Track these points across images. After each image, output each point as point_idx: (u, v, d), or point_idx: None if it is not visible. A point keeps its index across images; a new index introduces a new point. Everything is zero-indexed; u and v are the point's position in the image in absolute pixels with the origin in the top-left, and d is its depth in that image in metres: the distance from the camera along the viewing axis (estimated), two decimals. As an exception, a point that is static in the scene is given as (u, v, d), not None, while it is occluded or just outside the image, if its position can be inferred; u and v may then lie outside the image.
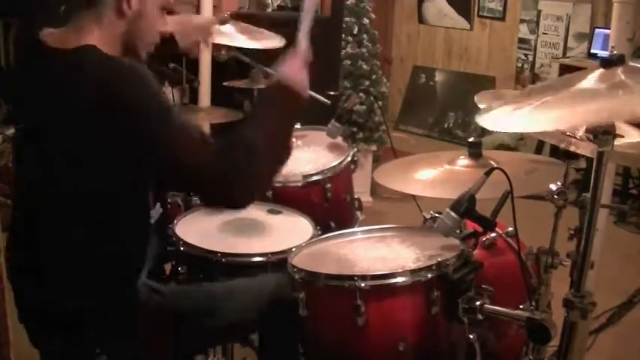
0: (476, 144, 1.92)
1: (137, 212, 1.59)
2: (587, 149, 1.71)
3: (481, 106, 1.47)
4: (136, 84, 1.45)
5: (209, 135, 1.55)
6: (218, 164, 1.48)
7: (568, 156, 1.74)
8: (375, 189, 4.59)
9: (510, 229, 1.93)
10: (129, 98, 1.43)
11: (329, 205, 2.31)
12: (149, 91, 1.46)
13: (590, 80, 1.41)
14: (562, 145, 1.75)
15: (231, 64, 3.43)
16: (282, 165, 1.60)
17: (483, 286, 1.64)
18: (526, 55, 6.14)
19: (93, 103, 1.42)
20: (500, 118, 1.44)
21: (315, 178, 2.29)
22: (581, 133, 1.67)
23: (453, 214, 1.56)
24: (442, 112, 6.65)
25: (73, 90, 1.44)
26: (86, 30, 1.53)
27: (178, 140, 1.46)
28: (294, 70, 1.61)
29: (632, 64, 1.43)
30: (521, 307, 1.57)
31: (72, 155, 1.46)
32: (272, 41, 2.64)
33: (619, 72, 1.38)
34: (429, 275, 1.57)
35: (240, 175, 1.50)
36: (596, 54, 5.22)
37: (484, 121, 1.44)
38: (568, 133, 1.73)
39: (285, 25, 2.76)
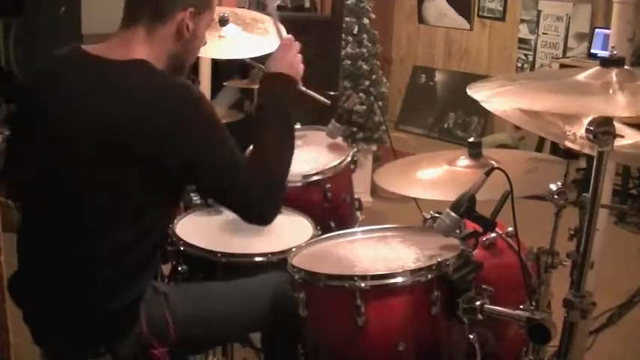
0: (476, 144, 1.92)
1: (159, 224, 1.61)
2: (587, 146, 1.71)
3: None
4: (183, 100, 1.50)
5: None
6: (253, 185, 1.57)
7: (568, 155, 1.74)
8: (375, 189, 4.58)
9: (510, 229, 1.92)
10: (174, 113, 1.47)
11: (329, 205, 2.30)
12: (197, 110, 1.51)
13: (585, 76, 1.45)
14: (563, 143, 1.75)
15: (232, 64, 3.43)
16: (290, 162, 1.68)
17: (483, 286, 1.64)
18: (526, 55, 6.14)
19: (139, 113, 1.45)
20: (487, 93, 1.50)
21: (315, 178, 2.29)
22: (580, 132, 1.67)
23: (453, 214, 1.56)
24: (442, 112, 6.65)
25: (124, 99, 1.47)
26: (134, 44, 1.55)
27: (222, 158, 1.54)
28: (286, 61, 1.73)
29: (628, 67, 1.45)
30: (521, 307, 1.57)
31: (110, 162, 1.47)
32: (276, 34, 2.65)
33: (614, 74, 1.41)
34: (429, 275, 1.57)
35: (268, 193, 1.61)
36: (597, 54, 5.22)
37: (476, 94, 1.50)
38: (568, 133, 1.73)
39: (284, 25, 2.77)
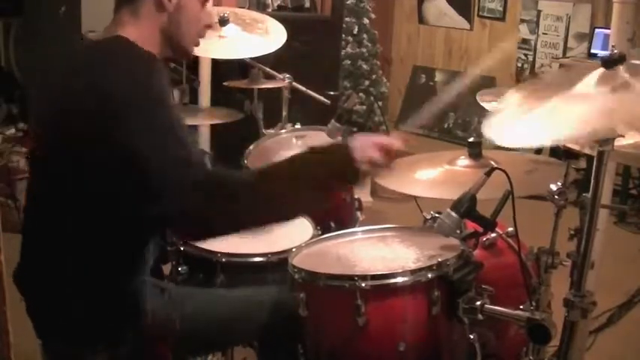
0: (476, 144, 1.92)
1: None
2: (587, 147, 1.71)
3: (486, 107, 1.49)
4: (136, 74, 1.43)
5: (205, 159, 1.46)
6: (188, 192, 1.36)
7: (568, 156, 1.74)
8: (375, 189, 4.58)
9: (510, 229, 1.92)
10: (117, 85, 1.40)
11: (329, 205, 2.30)
12: (147, 82, 1.42)
13: (591, 82, 1.41)
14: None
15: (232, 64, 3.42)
16: (272, 222, 1.49)
17: (484, 286, 1.64)
18: (526, 55, 6.14)
19: (92, 89, 1.42)
20: (507, 130, 1.47)
21: (315, 178, 2.28)
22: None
23: (453, 214, 1.56)
24: (442, 112, 6.64)
25: (85, 79, 1.45)
26: (122, 24, 1.54)
27: (154, 144, 1.37)
28: (365, 144, 1.56)
29: (633, 61, 1.44)
30: (521, 307, 1.57)
31: (75, 150, 1.45)
32: (276, 34, 2.66)
33: (621, 71, 1.39)
34: (430, 275, 1.56)
35: (208, 216, 1.40)
36: (597, 54, 5.22)
37: (491, 131, 1.47)
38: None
39: (284, 25, 2.77)
